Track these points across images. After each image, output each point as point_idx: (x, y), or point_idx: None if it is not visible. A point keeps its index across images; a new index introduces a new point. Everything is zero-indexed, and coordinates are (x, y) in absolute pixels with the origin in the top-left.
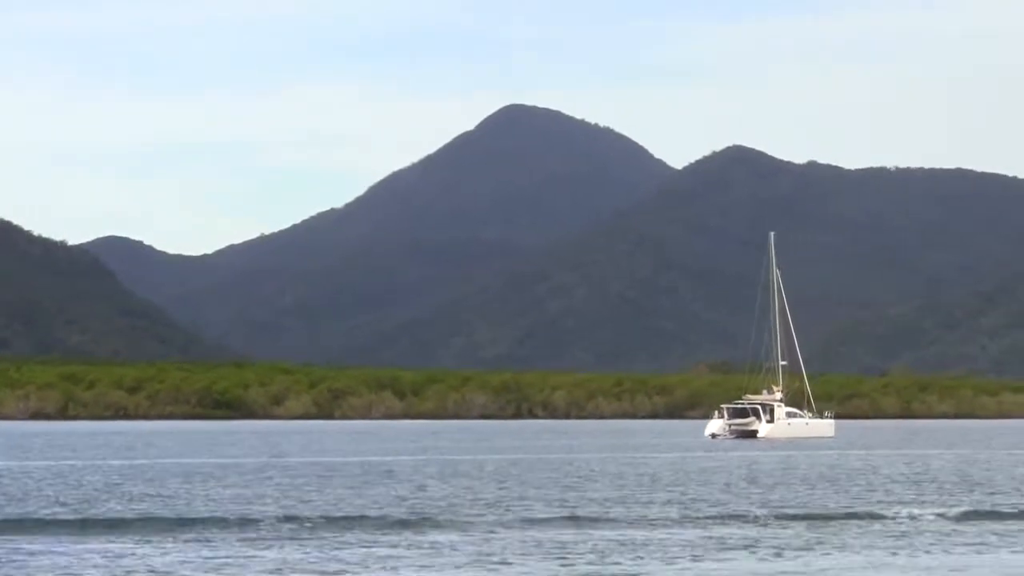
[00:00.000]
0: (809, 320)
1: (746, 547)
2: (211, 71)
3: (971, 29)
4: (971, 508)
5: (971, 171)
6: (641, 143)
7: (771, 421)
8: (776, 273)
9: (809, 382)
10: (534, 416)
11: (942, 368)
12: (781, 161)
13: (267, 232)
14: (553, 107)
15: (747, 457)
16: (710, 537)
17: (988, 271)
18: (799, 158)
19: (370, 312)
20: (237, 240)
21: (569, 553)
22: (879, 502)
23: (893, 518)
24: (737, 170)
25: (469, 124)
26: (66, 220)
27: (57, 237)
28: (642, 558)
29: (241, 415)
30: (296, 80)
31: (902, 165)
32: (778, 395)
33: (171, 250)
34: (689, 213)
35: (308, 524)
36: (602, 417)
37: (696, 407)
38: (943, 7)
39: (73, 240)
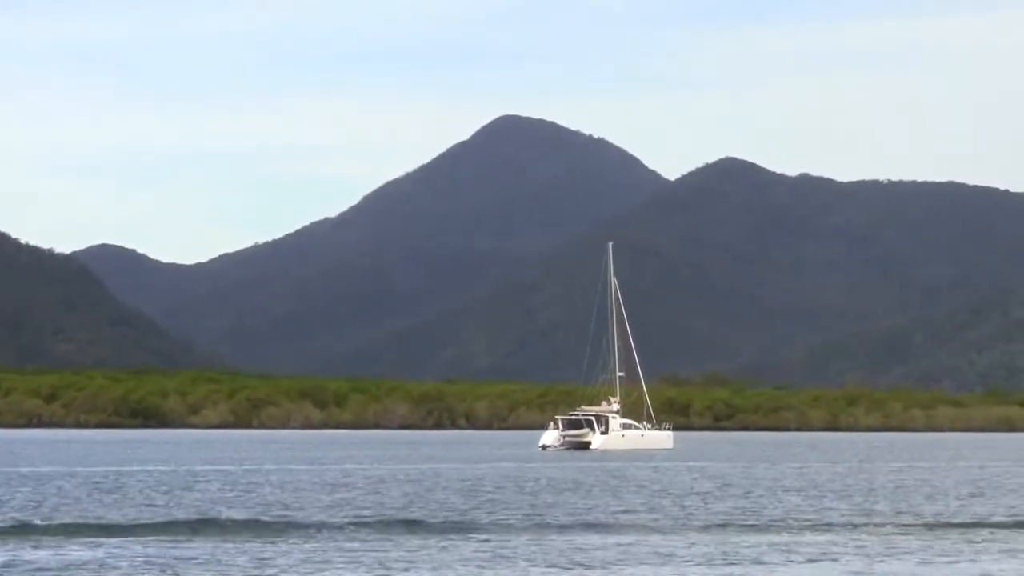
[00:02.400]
0: (799, 332)
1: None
2: (206, 80)
3: (965, 43)
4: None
5: (963, 184)
6: (635, 154)
7: (605, 432)
8: (614, 283)
9: (737, 395)
10: (457, 427)
11: (930, 381)
12: (774, 173)
13: (261, 241)
14: (548, 117)
15: (516, 468)
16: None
17: (979, 284)
18: (792, 170)
19: (363, 321)
20: (231, 249)
21: None
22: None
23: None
24: (730, 181)
25: (464, 134)
26: (60, 228)
27: (51, 246)
28: None
29: (157, 424)
30: (291, 89)
31: (894, 178)
32: (615, 406)
33: (165, 259)
34: (682, 224)
35: None
36: (523, 428)
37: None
38: (937, 21)
39: (67, 248)
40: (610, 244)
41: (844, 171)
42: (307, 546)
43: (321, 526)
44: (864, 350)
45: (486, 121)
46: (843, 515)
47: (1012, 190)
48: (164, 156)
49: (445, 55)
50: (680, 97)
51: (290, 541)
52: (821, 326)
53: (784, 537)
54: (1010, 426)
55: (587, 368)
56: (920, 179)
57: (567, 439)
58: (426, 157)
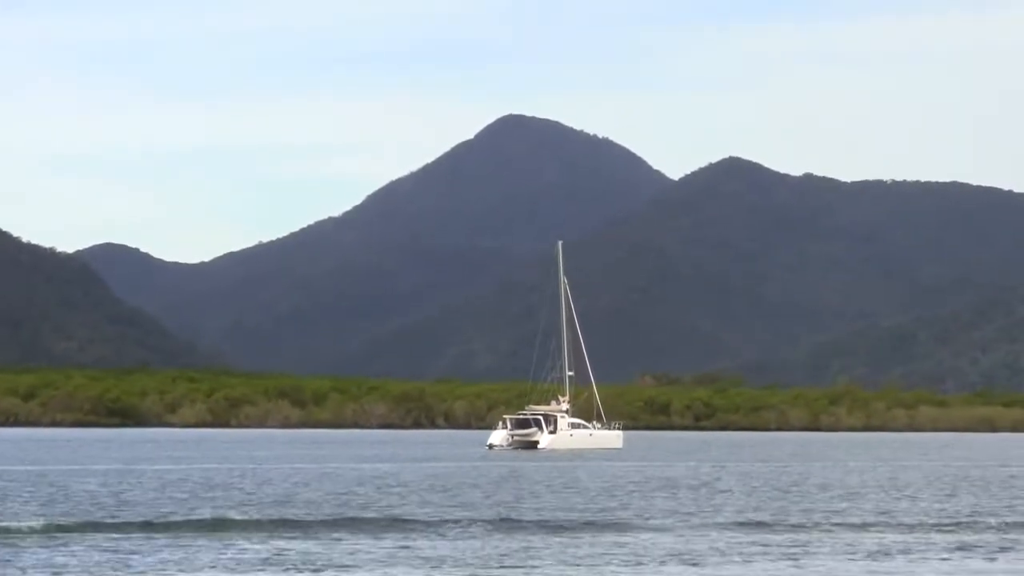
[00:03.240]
0: (802, 331)
1: None
2: (210, 79)
3: (969, 43)
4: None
5: (967, 184)
6: (639, 153)
7: (553, 432)
8: (564, 282)
9: (718, 395)
10: (436, 426)
11: (933, 381)
12: (778, 173)
13: (265, 240)
14: (552, 117)
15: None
16: None
17: (983, 284)
18: (796, 170)
19: (366, 321)
20: (235, 248)
21: None
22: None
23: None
24: (734, 181)
25: (468, 133)
26: (64, 227)
27: (56, 244)
28: None
29: (135, 423)
30: (295, 89)
31: (898, 177)
32: (564, 406)
33: (168, 257)
34: (685, 224)
35: None
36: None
37: (597, 418)
38: (942, 21)
39: (71, 247)
40: (560, 243)
41: (848, 171)
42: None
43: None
44: (867, 350)
45: (490, 120)
46: (672, 515)
47: (1016, 190)
48: (168, 155)
49: (449, 54)
50: (684, 96)
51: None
52: (824, 325)
53: (583, 537)
54: (991, 426)
55: (535, 367)
56: (924, 179)
57: (515, 438)
58: (430, 156)
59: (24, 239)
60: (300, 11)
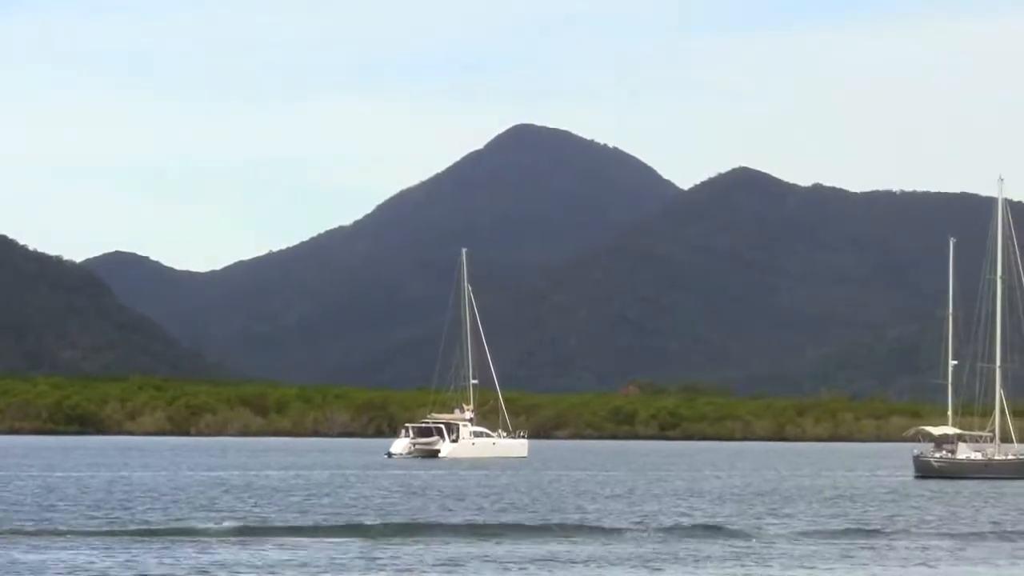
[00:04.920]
0: (810, 341)
1: None
2: (220, 87)
3: (980, 52)
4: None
5: (975, 195)
6: (649, 163)
7: (455, 440)
8: (468, 289)
9: (684, 405)
10: (396, 434)
11: (938, 392)
12: (787, 183)
13: (275, 249)
14: (562, 127)
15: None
16: None
17: (990, 295)
18: (805, 180)
19: (375, 330)
20: (245, 256)
21: None
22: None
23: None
24: (743, 191)
25: (478, 143)
26: (73, 235)
27: (62, 253)
28: None
29: (94, 430)
30: (305, 97)
31: (907, 188)
32: (468, 414)
33: (178, 266)
34: (694, 233)
35: None
36: None
37: (563, 427)
38: (948, 29)
39: (81, 256)
40: (464, 250)
41: (857, 181)
42: None
43: None
44: (874, 360)
45: (500, 130)
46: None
47: None
48: (179, 163)
49: (459, 64)
50: (694, 106)
51: None
52: (832, 336)
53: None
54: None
55: (439, 375)
56: (934, 189)
57: (416, 447)
58: (440, 166)
59: (31, 247)
60: (309, 20)
